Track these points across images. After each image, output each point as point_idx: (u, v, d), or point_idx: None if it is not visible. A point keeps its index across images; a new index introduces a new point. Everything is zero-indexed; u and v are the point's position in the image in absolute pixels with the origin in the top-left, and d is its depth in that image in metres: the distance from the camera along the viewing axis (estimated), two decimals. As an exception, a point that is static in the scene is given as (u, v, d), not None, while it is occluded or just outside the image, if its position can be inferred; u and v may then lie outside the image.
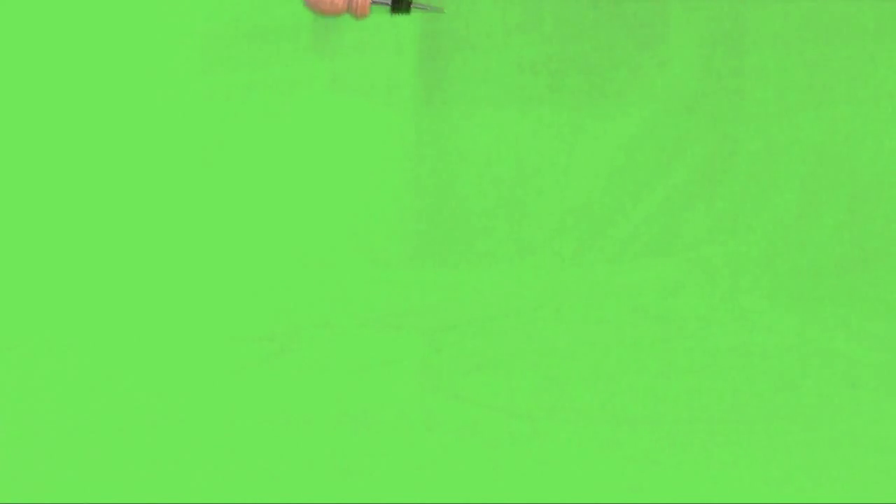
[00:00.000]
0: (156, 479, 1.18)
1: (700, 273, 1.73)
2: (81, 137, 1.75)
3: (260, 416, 1.31)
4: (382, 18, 1.73)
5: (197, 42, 1.74)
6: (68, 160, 1.75)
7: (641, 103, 1.77)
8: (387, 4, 1.55)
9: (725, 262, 1.74)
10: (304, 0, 1.51)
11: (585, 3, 1.74)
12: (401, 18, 1.73)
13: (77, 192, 1.74)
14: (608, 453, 1.23)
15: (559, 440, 1.25)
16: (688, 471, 1.20)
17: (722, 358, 1.45)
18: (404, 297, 1.67)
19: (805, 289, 1.68)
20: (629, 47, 1.76)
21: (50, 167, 1.74)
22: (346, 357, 1.46)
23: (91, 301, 1.65)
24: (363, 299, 1.66)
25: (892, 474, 1.19)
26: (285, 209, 1.76)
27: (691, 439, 1.25)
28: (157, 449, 1.24)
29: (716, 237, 1.76)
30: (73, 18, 1.72)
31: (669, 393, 1.36)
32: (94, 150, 1.75)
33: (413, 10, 1.54)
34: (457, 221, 1.77)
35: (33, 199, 1.74)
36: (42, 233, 1.73)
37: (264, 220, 1.75)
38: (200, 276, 1.71)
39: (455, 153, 1.78)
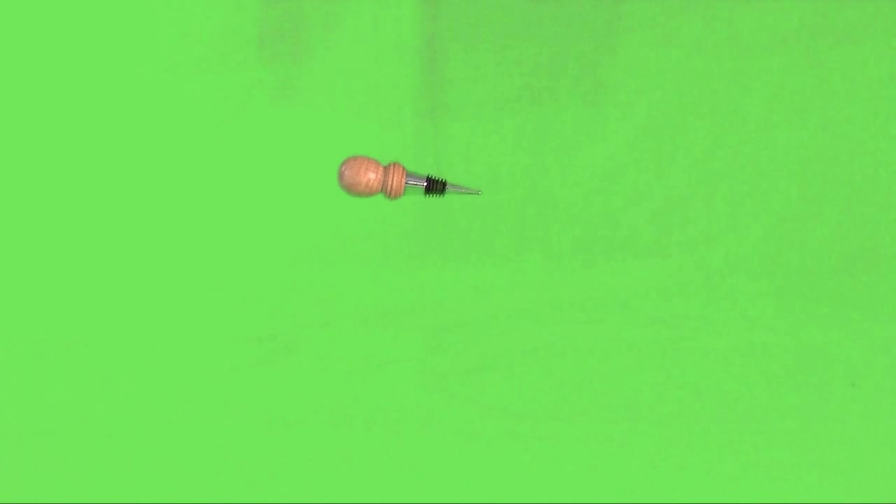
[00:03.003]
0: (156, 479, 1.18)
1: (700, 273, 1.73)
2: (81, 139, 1.75)
3: (260, 415, 1.31)
4: (381, 17, 1.74)
5: (197, 43, 1.74)
6: (68, 161, 1.75)
7: (641, 103, 1.77)
8: (421, 186, 1.57)
9: (725, 262, 1.75)
10: (339, 182, 1.53)
11: (585, 3, 1.74)
12: (399, 17, 1.73)
13: (76, 193, 1.74)
14: (608, 453, 1.23)
15: (559, 440, 1.25)
16: (688, 471, 1.20)
17: (722, 358, 1.45)
18: (404, 297, 1.67)
19: (805, 289, 1.68)
20: (629, 47, 1.76)
21: (49, 167, 1.74)
22: (346, 357, 1.46)
23: (91, 301, 1.65)
24: (363, 299, 1.66)
25: (892, 474, 1.19)
26: (286, 209, 1.76)
27: (691, 439, 1.25)
28: (157, 449, 1.24)
29: (716, 237, 1.76)
30: (66, 20, 1.72)
31: (669, 393, 1.36)
32: (94, 152, 1.75)
33: (448, 191, 1.56)
34: (457, 221, 1.77)
35: (33, 199, 1.74)
36: (42, 233, 1.73)
37: (265, 220, 1.75)
38: (201, 276, 1.71)
39: (455, 153, 1.78)
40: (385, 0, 1.73)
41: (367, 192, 1.55)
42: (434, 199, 1.78)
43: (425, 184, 1.57)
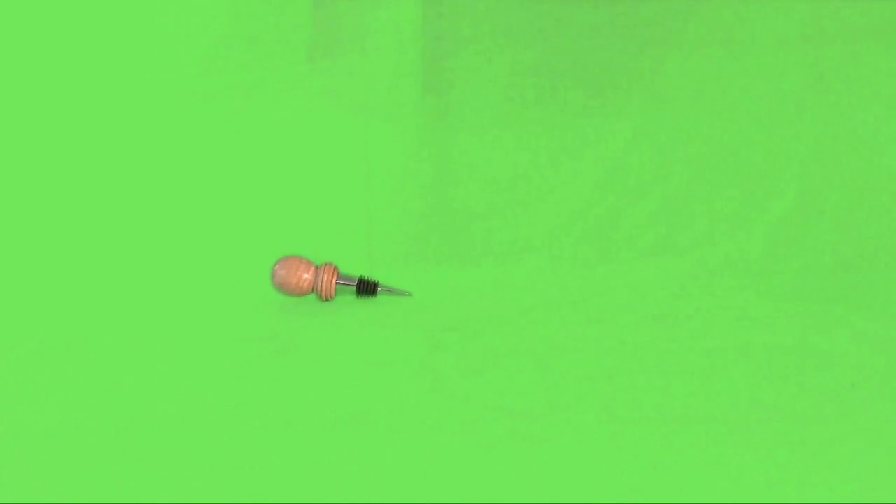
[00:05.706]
0: (156, 478, 1.18)
1: (700, 273, 1.73)
2: (82, 140, 1.75)
3: (260, 415, 1.31)
4: (385, 18, 1.74)
5: (199, 45, 1.74)
6: (68, 161, 1.75)
7: (641, 104, 1.77)
8: (353, 286, 1.60)
9: (725, 262, 1.75)
10: (272, 281, 1.56)
11: (585, 4, 1.74)
12: (402, 23, 1.73)
13: (77, 193, 1.75)
14: (608, 453, 1.23)
15: (559, 440, 1.25)
16: (688, 471, 1.20)
17: (722, 358, 1.45)
18: (405, 297, 1.67)
19: (805, 289, 1.68)
20: (629, 48, 1.76)
21: (49, 168, 1.75)
22: (346, 357, 1.46)
23: (91, 301, 1.65)
24: (363, 299, 1.66)
25: (892, 474, 1.19)
26: (287, 210, 1.76)
27: (691, 439, 1.25)
28: (158, 449, 1.24)
29: (716, 237, 1.76)
30: (63, 22, 1.73)
31: (669, 393, 1.36)
32: (95, 152, 1.76)
33: (380, 293, 1.60)
34: (457, 222, 1.77)
35: (33, 199, 1.74)
36: (42, 233, 1.73)
37: (266, 220, 1.75)
38: (201, 276, 1.71)
39: (455, 154, 1.78)
40: (388, 0, 1.73)
41: (297, 293, 1.59)
42: (435, 199, 1.78)
43: (356, 285, 1.61)
